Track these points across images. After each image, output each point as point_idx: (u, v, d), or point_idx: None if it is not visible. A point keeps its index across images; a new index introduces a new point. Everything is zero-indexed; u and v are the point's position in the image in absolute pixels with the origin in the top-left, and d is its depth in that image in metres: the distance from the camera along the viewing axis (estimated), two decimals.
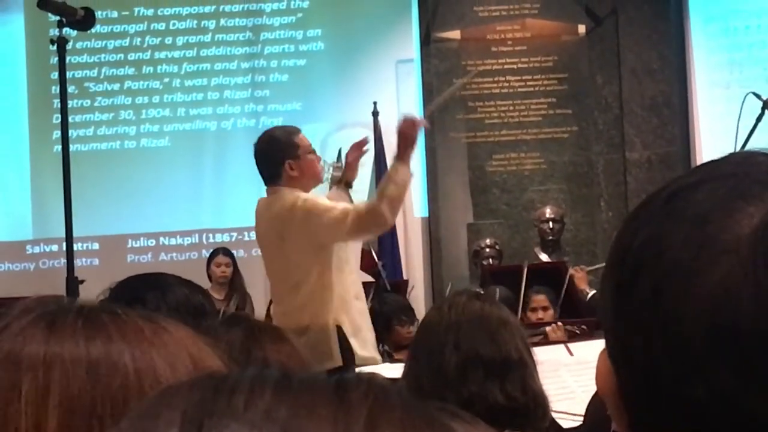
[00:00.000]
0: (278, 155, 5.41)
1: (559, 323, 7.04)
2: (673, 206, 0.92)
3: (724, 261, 0.86)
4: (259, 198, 5.68)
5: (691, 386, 0.86)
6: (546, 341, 6.70)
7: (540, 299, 7.45)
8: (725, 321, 0.85)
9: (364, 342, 5.52)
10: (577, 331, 7.07)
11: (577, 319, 7.34)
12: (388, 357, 6.78)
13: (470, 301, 2.81)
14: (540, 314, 7.34)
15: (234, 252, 9.19)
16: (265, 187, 5.59)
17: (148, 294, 2.59)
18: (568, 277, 7.84)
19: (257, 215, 5.59)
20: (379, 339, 7.15)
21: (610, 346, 0.95)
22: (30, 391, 0.97)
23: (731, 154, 0.97)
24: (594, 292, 8.35)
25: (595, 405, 2.98)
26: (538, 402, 2.77)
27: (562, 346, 4.92)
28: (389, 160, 9.76)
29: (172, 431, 0.60)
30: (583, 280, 8.47)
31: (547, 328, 6.98)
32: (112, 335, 1.01)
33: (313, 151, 5.56)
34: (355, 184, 8.98)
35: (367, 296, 7.56)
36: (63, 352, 0.99)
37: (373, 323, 7.28)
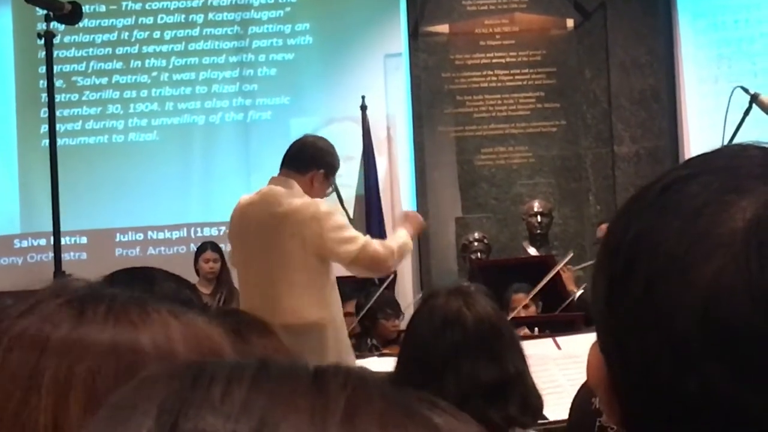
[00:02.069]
0: (321, 162, 5.45)
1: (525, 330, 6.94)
2: (666, 199, 0.91)
3: (718, 255, 0.86)
4: (268, 184, 5.53)
5: (683, 380, 0.86)
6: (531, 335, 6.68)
7: (519, 298, 7.35)
8: (719, 315, 0.85)
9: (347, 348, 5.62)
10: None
11: (561, 314, 7.32)
12: (375, 350, 6.79)
13: (461, 313, 2.74)
14: (522, 314, 7.23)
15: (222, 246, 9.15)
16: (281, 171, 5.51)
17: (135, 288, 2.58)
18: (555, 272, 7.78)
19: (255, 200, 5.48)
20: (366, 333, 7.17)
21: (602, 339, 0.94)
22: (53, 376, 0.96)
23: (724, 147, 0.97)
24: (581, 291, 8.32)
25: (581, 398, 2.98)
26: (536, 411, 2.77)
27: (550, 340, 4.93)
28: (378, 155, 9.80)
29: (148, 423, 0.60)
30: (570, 280, 8.41)
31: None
32: (138, 328, 1.00)
33: (330, 188, 5.65)
34: (344, 177, 9.02)
35: (354, 291, 7.58)
36: (90, 341, 0.98)
37: (359, 317, 7.31)
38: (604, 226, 8.91)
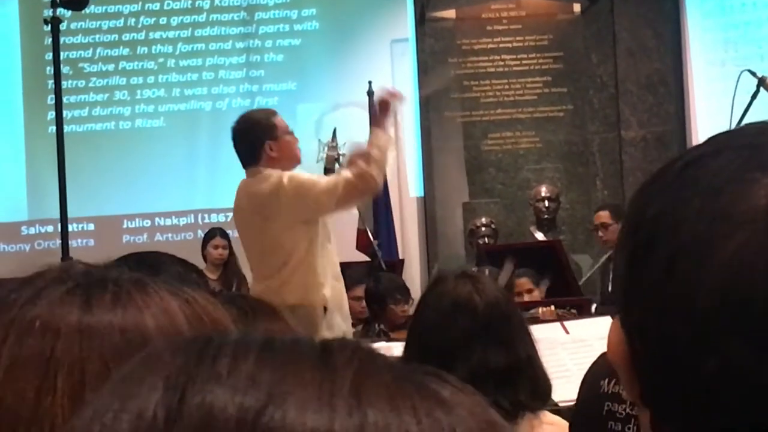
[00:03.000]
0: (258, 136, 5.45)
1: (551, 308, 6.95)
2: (688, 177, 0.91)
3: (740, 232, 0.85)
4: (241, 179, 5.66)
5: (703, 358, 0.86)
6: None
7: (522, 282, 7.31)
8: (740, 293, 0.84)
9: (346, 316, 5.67)
10: (573, 311, 7.01)
11: (568, 298, 7.29)
12: (384, 336, 6.78)
13: (471, 298, 2.71)
14: (525, 298, 7.21)
15: (229, 233, 9.17)
16: (245, 170, 5.58)
17: (142, 272, 2.58)
18: (563, 259, 7.77)
19: (238, 197, 5.60)
20: (375, 318, 7.16)
21: (623, 316, 0.94)
22: (68, 364, 0.97)
23: (747, 125, 0.96)
24: (586, 277, 8.31)
25: (589, 382, 2.98)
26: (545, 396, 2.76)
27: (558, 324, 4.93)
28: None
29: (155, 396, 0.60)
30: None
31: (542, 309, 6.92)
32: (143, 311, 1.01)
33: (291, 133, 5.63)
34: None
35: (363, 275, 7.57)
36: (100, 327, 1.00)
37: (368, 303, 7.31)
38: (602, 213, 8.91)
